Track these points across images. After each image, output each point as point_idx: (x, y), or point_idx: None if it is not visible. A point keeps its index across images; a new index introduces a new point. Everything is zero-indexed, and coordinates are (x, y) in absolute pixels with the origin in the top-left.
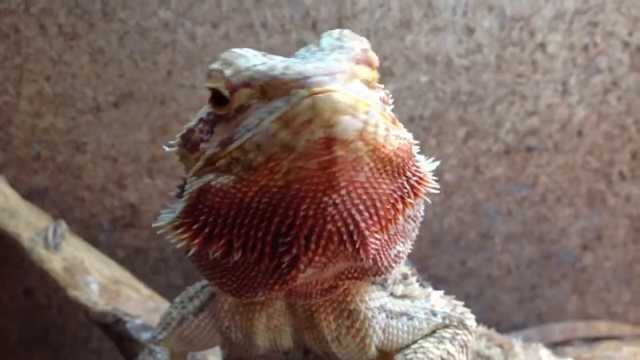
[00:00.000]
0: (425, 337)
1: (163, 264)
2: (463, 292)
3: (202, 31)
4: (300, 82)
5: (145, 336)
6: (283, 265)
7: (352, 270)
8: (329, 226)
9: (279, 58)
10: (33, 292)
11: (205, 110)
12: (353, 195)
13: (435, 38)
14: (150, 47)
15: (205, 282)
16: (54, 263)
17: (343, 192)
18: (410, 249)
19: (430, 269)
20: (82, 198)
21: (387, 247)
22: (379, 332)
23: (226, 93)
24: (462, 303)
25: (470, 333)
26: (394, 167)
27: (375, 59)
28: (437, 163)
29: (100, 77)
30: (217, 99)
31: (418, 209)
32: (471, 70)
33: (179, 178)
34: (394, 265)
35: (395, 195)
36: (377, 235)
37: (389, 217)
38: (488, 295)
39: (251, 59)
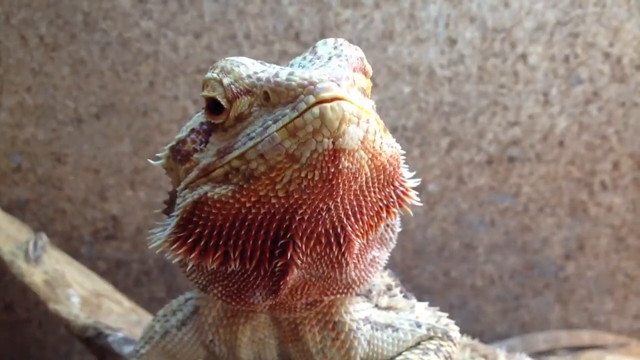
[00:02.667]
0: (410, 348)
1: (145, 276)
2: (447, 303)
3: (184, 42)
4: (308, 88)
5: (127, 350)
6: (277, 269)
7: (335, 286)
8: (320, 228)
9: (278, 66)
10: (13, 306)
11: (197, 120)
12: (345, 201)
13: (418, 49)
14: (132, 58)
15: (188, 295)
16: (35, 276)
17: (338, 199)
18: (387, 260)
19: (414, 279)
20: (63, 210)
21: (364, 251)
22: (364, 343)
23: (224, 102)
24: (446, 314)
25: (454, 344)
26: (386, 176)
27: (369, 67)
28: (419, 180)
29: (82, 88)
30: (213, 107)
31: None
32: (454, 81)
33: (161, 190)
34: (370, 270)
35: (381, 204)
36: (359, 240)
37: (372, 223)
38: (472, 305)
39: (250, 67)
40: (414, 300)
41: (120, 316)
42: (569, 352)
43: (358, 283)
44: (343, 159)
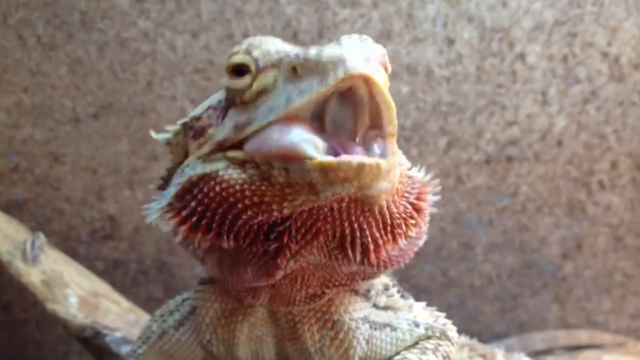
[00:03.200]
0: (408, 348)
1: (143, 276)
2: (445, 302)
3: (182, 41)
4: (338, 63)
5: (125, 350)
6: (270, 250)
7: (336, 276)
8: (319, 224)
9: None
10: (11, 306)
11: (214, 98)
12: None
13: (416, 49)
14: (130, 58)
15: (186, 295)
16: (32, 276)
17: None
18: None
19: (412, 278)
20: (61, 210)
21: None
22: (362, 343)
23: (253, 68)
24: (444, 314)
25: (452, 344)
26: (401, 191)
27: (389, 65)
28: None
29: (80, 88)
30: (237, 74)
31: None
32: (452, 80)
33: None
34: (389, 266)
35: (406, 213)
36: (385, 248)
37: (397, 232)
38: (470, 305)
39: (278, 44)
40: (411, 300)
41: (118, 316)
42: (566, 351)
43: (362, 276)
44: (359, 204)
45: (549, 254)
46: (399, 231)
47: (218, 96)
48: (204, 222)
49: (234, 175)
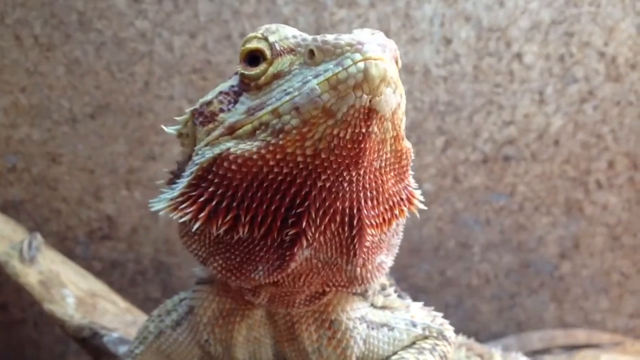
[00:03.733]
0: (405, 348)
1: (140, 276)
2: (443, 302)
3: (179, 41)
4: (356, 47)
5: (122, 350)
6: (287, 239)
7: (339, 276)
8: (338, 203)
9: None
10: (8, 306)
11: (226, 84)
12: (366, 178)
13: (413, 48)
14: (127, 58)
15: (183, 295)
16: (30, 277)
17: (361, 171)
18: (392, 264)
19: (410, 278)
20: (58, 210)
21: (374, 251)
22: (359, 342)
23: (268, 53)
24: (441, 314)
25: (449, 344)
26: (401, 167)
27: (399, 59)
28: (419, 190)
29: (77, 88)
30: (251, 61)
31: (402, 225)
32: (449, 80)
33: (157, 190)
34: (376, 274)
35: (395, 199)
36: (371, 231)
37: (385, 217)
38: (467, 304)
39: (295, 30)
40: (409, 300)
41: (116, 316)
42: (564, 351)
43: (361, 282)
44: (374, 122)
45: (546, 254)
46: (389, 215)
47: (229, 82)
48: (223, 204)
49: (246, 147)
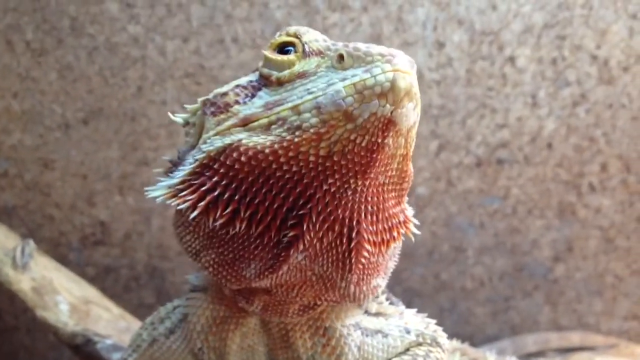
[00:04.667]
0: (399, 354)
1: (134, 282)
2: (437, 305)
3: (172, 46)
4: (386, 57)
5: (116, 357)
6: (284, 240)
7: (332, 292)
8: (339, 212)
9: None
10: (1, 313)
11: (245, 78)
12: (369, 191)
13: (406, 52)
14: (120, 63)
15: (176, 302)
16: (23, 283)
17: (367, 182)
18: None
19: (404, 282)
20: (51, 216)
21: (371, 272)
22: (354, 350)
23: (301, 49)
24: (434, 321)
25: (442, 351)
26: (403, 189)
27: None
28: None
29: (69, 94)
30: (280, 52)
31: (398, 249)
32: (442, 84)
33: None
34: (369, 295)
35: (394, 220)
36: (369, 247)
37: (385, 237)
38: (462, 307)
39: (322, 35)
40: (402, 307)
41: (109, 323)
42: (558, 353)
43: (352, 300)
44: (391, 134)
45: (540, 257)
46: (387, 236)
47: (248, 77)
48: (225, 196)
49: (259, 140)
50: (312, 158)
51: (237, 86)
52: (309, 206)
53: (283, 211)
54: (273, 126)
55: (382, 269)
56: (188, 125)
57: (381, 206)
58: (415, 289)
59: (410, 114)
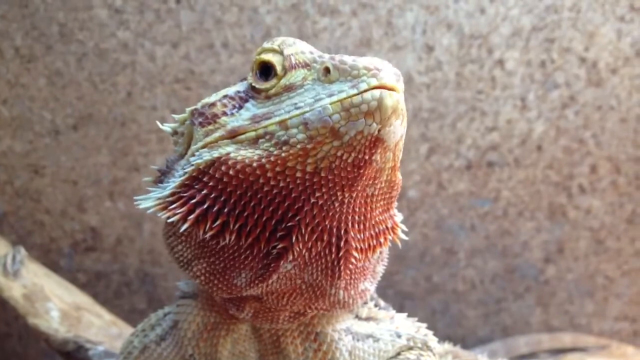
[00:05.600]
0: (390, 359)
1: (126, 287)
2: (429, 308)
3: (162, 51)
4: (373, 72)
5: None
6: (274, 252)
7: (322, 300)
8: (327, 222)
9: None
10: None
11: (232, 88)
12: (357, 202)
13: (396, 56)
14: (110, 69)
15: (167, 309)
16: (14, 291)
17: (354, 194)
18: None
19: (396, 285)
20: (42, 222)
21: (358, 277)
22: (345, 354)
23: (279, 68)
24: (425, 325)
25: (433, 354)
26: (391, 197)
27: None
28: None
29: (59, 100)
30: (263, 73)
31: (385, 253)
32: (432, 87)
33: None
34: (358, 299)
35: (381, 227)
36: (356, 254)
37: (371, 244)
38: (454, 310)
39: (310, 47)
40: (393, 311)
41: (101, 329)
42: (550, 355)
43: (342, 306)
44: (379, 151)
45: (531, 258)
46: (374, 242)
47: (236, 87)
48: (214, 209)
49: (247, 154)
50: (299, 174)
51: (225, 96)
52: (297, 218)
53: (272, 223)
54: (261, 140)
55: (369, 273)
56: (176, 134)
57: (368, 215)
58: (407, 291)
59: (398, 130)
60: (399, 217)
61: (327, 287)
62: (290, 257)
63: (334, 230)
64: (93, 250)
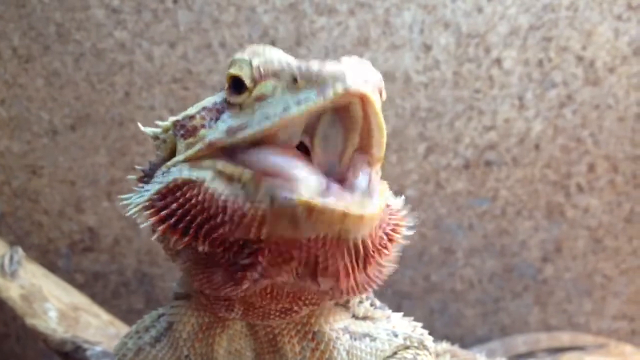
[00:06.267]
0: (387, 358)
1: (123, 288)
2: (427, 307)
3: (159, 51)
4: (340, 78)
5: None
6: (241, 262)
7: (307, 294)
8: (295, 252)
9: None
10: None
11: (210, 99)
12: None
13: (393, 55)
14: (107, 69)
15: (161, 310)
16: (11, 291)
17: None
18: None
19: (394, 284)
20: (40, 223)
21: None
22: (343, 353)
23: (248, 81)
24: (421, 324)
25: (430, 353)
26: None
27: (384, 92)
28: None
29: (56, 100)
30: (235, 87)
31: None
32: (429, 86)
33: None
34: (351, 292)
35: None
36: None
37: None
38: (452, 309)
39: (281, 54)
40: (389, 311)
41: (99, 329)
42: (548, 354)
43: (331, 297)
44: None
45: (529, 257)
46: (371, 261)
47: (214, 98)
48: (181, 225)
49: (219, 188)
50: (252, 236)
51: (204, 109)
52: (262, 245)
53: (239, 244)
54: (234, 180)
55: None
56: (158, 139)
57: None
58: (405, 291)
59: (359, 229)
60: (398, 201)
61: (308, 284)
62: (258, 272)
63: (304, 259)
64: (91, 251)
